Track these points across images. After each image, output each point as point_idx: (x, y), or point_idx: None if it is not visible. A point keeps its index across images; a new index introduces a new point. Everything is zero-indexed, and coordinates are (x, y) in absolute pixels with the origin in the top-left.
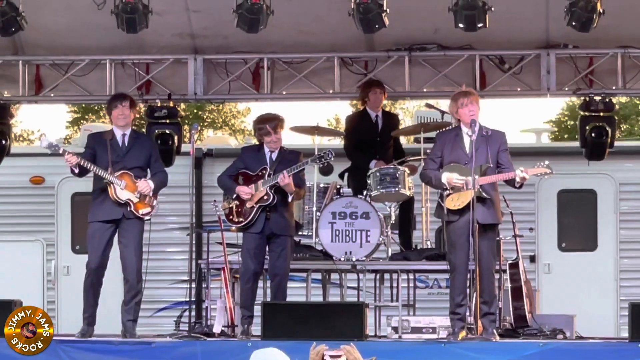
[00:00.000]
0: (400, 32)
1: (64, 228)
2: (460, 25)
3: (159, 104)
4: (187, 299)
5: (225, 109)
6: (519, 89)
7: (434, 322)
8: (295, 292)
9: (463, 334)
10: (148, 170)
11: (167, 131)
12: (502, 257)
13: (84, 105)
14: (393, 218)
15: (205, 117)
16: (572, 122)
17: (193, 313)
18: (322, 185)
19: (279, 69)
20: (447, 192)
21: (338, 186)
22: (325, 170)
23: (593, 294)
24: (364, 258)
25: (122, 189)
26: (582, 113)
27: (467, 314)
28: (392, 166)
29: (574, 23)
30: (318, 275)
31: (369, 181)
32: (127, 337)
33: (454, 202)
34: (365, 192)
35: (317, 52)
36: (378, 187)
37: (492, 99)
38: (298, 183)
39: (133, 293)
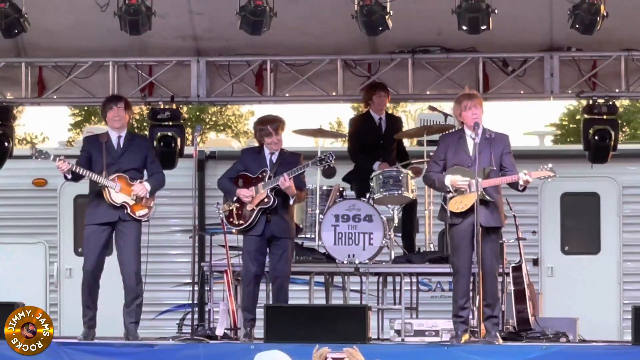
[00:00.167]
0: (403, 35)
1: (67, 230)
2: (464, 27)
3: (161, 106)
4: (190, 302)
5: (228, 112)
6: (522, 92)
7: (437, 325)
8: (298, 295)
9: (466, 337)
10: (145, 171)
11: (170, 133)
12: (505, 260)
13: (86, 108)
14: (396, 221)
15: (207, 119)
16: (574, 126)
17: (196, 316)
18: (325, 188)
19: (282, 71)
20: (451, 194)
21: (341, 189)
22: (328, 173)
23: (596, 297)
24: (367, 261)
25: (117, 192)
26: (585, 116)
27: (470, 317)
28: (395, 169)
29: (577, 26)
30: (321, 278)
31: (372, 184)
32: (130, 339)
33: (457, 205)
34: (368, 195)
35: (320, 55)
36: (381, 189)
37: (495, 102)
38: (299, 185)
39: (133, 295)
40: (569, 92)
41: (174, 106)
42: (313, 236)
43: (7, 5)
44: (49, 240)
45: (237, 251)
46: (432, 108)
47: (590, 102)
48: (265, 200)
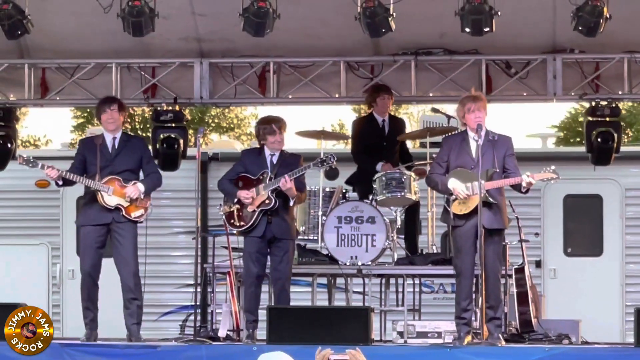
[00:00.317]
0: (406, 37)
1: (69, 232)
2: (467, 29)
3: (164, 108)
4: (193, 303)
5: (231, 114)
6: (525, 94)
7: (440, 326)
8: (301, 297)
9: (469, 338)
10: (141, 172)
11: (173, 135)
12: (508, 262)
13: (89, 110)
14: (399, 222)
15: (210, 121)
16: (579, 129)
17: (198, 317)
18: (327, 189)
19: (285, 72)
20: (454, 197)
21: (344, 190)
22: (331, 175)
23: (599, 299)
24: (370, 262)
25: (109, 195)
26: (588, 118)
27: (473, 318)
28: (397, 171)
29: (580, 28)
30: (324, 280)
31: (374, 186)
32: (132, 340)
33: (460, 207)
34: (371, 197)
35: (323, 56)
36: (384, 191)
37: (498, 104)
38: (299, 187)
39: (132, 296)
40: (572, 94)
41: (177, 108)
42: (316, 238)
43: (10, 6)
44: (52, 241)
45: (240, 252)
46: (434, 110)
47: (593, 104)
48: (267, 201)
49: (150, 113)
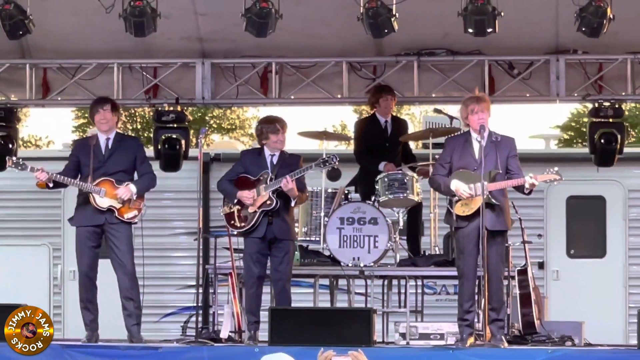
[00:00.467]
0: (409, 37)
1: (71, 232)
2: (470, 30)
3: (166, 108)
4: (194, 304)
5: (233, 115)
6: (528, 95)
7: (442, 328)
8: (303, 298)
9: (471, 340)
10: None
11: (175, 135)
12: (511, 264)
13: None
14: (401, 224)
15: (211, 122)
16: (583, 130)
17: (200, 318)
18: (330, 190)
19: (287, 73)
20: (456, 198)
21: (346, 191)
22: (333, 176)
23: (602, 301)
24: (372, 264)
25: (102, 197)
26: (591, 119)
27: (476, 320)
28: (400, 172)
29: (583, 29)
30: (326, 281)
31: (377, 187)
32: (134, 341)
33: (463, 209)
34: (373, 198)
35: (325, 57)
36: (386, 192)
37: (501, 105)
38: (300, 187)
39: (128, 297)
40: (575, 95)
41: (179, 108)
42: (318, 239)
43: (11, 6)
44: (53, 242)
45: (242, 254)
46: (437, 111)
47: (596, 105)
48: (268, 202)
49: (152, 113)
